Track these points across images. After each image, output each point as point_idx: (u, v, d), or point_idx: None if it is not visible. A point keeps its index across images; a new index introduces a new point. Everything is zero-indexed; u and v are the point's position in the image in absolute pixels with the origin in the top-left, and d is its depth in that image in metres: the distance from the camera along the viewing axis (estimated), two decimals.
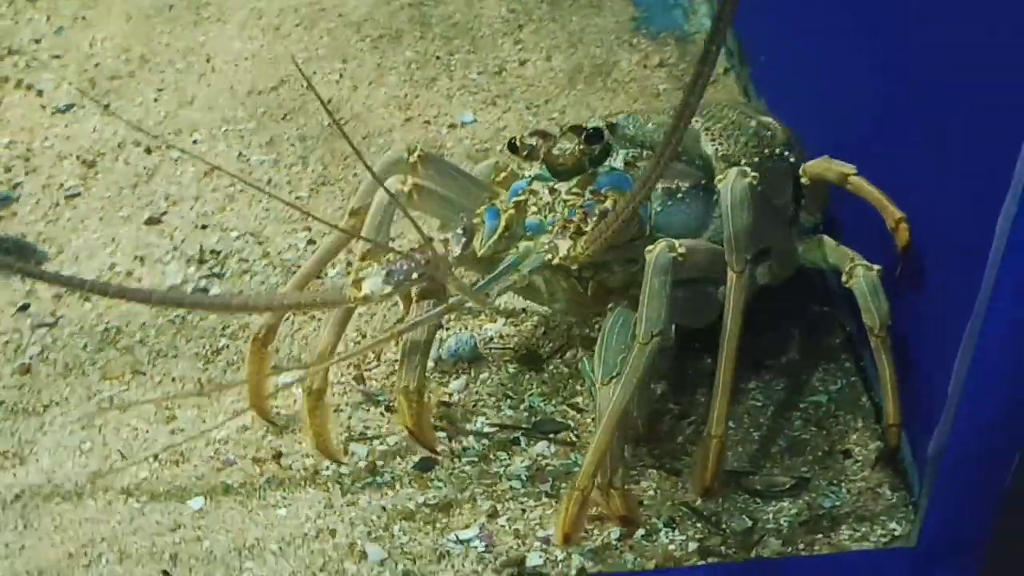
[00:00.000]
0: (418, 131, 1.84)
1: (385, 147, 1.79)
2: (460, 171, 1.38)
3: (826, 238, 1.35)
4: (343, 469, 1.29)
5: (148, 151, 1.78)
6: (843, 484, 1.28)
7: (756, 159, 1.32)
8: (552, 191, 1.23)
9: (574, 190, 1.22)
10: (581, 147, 1.23)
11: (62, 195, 1.71)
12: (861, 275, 1.24)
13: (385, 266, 1.19)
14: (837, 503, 1.25)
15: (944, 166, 1.17)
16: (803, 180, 1.34)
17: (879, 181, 1.26)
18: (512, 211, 1.22)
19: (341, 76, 1.96)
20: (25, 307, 1.51)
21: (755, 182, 1.20)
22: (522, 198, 1.23)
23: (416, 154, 1.33)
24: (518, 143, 1.26)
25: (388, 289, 1.19)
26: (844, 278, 1.26)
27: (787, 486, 1.28)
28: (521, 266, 1.17)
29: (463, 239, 1.21)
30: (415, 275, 1.18)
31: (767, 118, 1.42)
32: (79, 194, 1.71)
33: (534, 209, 1.22)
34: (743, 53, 1.93)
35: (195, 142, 1.80)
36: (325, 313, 1.40)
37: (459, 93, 1.94)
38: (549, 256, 1.17)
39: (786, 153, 1.37)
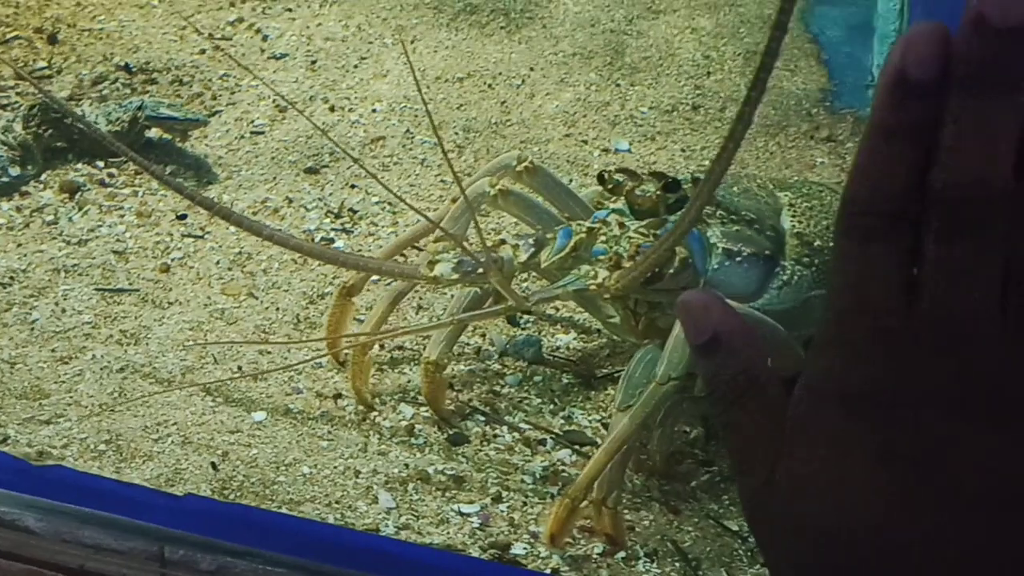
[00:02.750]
0: (572, 147, 1.97)
1: (538, 156, 1.93)
2: (566, 189, 1.50)
3: None
4: (385, 423, 1.44)
5: (332, 109, 1.99)
6: None
7: (831, 244, 1.37)
8: (622, 226, 1.33)
9: (641, 230, 1.31)
10: (658, 193, 1.32)
11: (249, 130, 1.94)
12: None
13: (459, 256, 1.33)
14: None
15: None
16: None
17: None
18: (583, 235, 1.33)
19: (523, 82, 2.11)
20: (183, 217, 1.75)
21: None
22: (596, 226, 1.34)
23: (524, 164, 1.46)
24: (606, 176, 1.37)
25: (455, 277, 1.32)
26: None
27: None
28: (567, 284, 1.28)
29: (532, 248, 1.33)
30: (480, 270, 1.31)
31: None
32: (263, 133, 1.94)
33: (603, 238, 1.33)
34: None
35: (374, 111, 2.00)
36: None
37: (624, 122, 2.05)
38: (589, 281, 1.27)
39: None
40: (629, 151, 1.99)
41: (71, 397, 1.43)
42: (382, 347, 1.55)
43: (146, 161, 1.38)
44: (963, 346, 0.51)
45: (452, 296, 1.46)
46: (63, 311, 1.56)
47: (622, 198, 1.36)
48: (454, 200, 1.47)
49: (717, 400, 0.59)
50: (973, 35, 0.47)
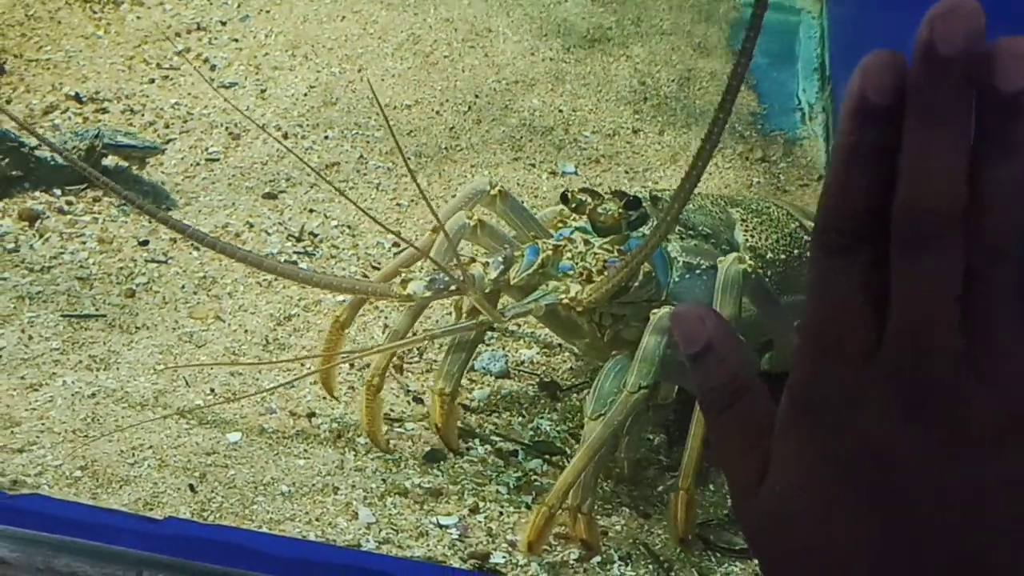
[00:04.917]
0: (521, 171, 2.03)
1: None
2: (529, 213, 1.55)
3: None
4: (360, 439, 1.48)
5: (285, 136, 2.03)
6: None
7: (782, 256, 1.46)
8: (587, 243, 1.39)
9: (605, 246, 1.38)
10: (620, 211, 1.39)
11: (204, 157, 1.96)
12: None
13: (431, 274, 1.38)
14: None
15: None
16: None
17: None
18: (550, 252, 1.39)
19: (470, 108, 2.17)
20: (145, 243, 1.76)
21: (750, 270, 1.33)
22: (561, 243, 1.39)
23: (497, 189, 1.51)
24: (569, 196, 1.43)
25: (428, 293, 1.37)
26: None
27: (738, 547, 1.40)
28: (539, 298, 1.34)
29: (501, 266, 1.39)
30: (452, 287, 1.35)
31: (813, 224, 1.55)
32: (218, 159, 1.97)
33: (569, 255, 1.39)
34: None
35: (326, 138, 2.04)
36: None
37: (569, 146, 2.12)
38: (561, 295, 1.33)
39: None
40: (576, 173, 2.06)
41: (43, 424, 1.43)
42: (352, 366, 1.59)
43: (119, 187, 1.40)
44: (923, 359, 0.52)
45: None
46: (30, 338, 1.56)
47: (584, 216, 1.43)
48: (434, 230, 1.51)
49: (708, 407, 0.61)
50: (922, 63, 0.49)
